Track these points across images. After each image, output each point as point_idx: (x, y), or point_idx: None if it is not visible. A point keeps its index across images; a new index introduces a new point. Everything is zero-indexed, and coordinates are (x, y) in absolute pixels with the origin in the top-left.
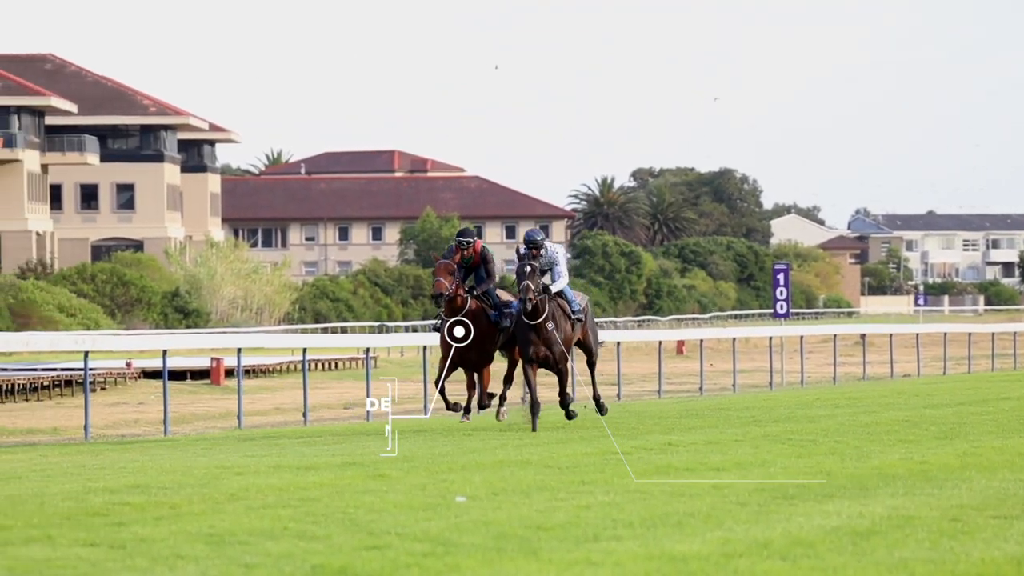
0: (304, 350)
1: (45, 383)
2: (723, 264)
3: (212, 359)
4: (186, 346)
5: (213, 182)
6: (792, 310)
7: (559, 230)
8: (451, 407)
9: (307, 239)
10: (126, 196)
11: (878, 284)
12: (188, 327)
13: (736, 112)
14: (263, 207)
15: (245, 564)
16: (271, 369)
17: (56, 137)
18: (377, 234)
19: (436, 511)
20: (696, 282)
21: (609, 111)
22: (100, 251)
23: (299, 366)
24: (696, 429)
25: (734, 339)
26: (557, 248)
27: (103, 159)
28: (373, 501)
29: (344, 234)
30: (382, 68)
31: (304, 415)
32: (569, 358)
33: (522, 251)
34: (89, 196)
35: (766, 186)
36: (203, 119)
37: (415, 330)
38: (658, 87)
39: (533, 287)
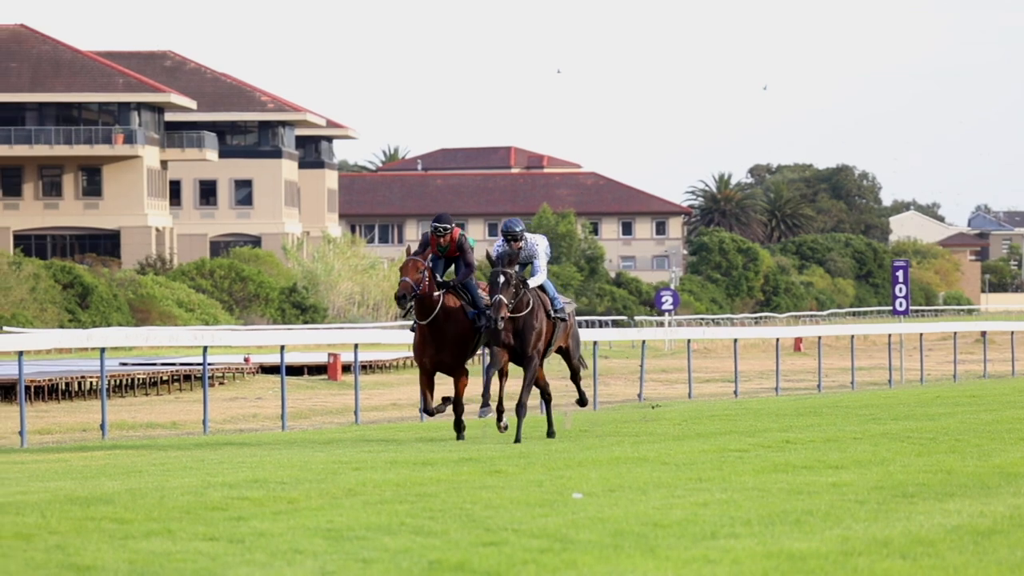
0: None
1: (164, 378)
2: (841, 261)
3: (329, 355)
4: (303, 341)
5: (330, 178)
6: (911, 307)
7: (675, 226)
8: (435, 411)
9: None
10: (244, 192)
11: (999, 281)
12: (305, 323)
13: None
14: (380, 203)
15: (363, 559)
16: (387, 365)
17: (175, 133)
18: (493, 230)
19: (553, 507)
20: (814, 279)
21: (727, 108)
22: (218, 247)
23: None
24: (814, 427)
25: (852, 336)
26: (538, 240)
27: (222, 155)
28: (490, 497)
29: (462, 229)
30: (499, 65)
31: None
32: (540, 354)
33: (498, 245)
34: (208, 192)
35: (885, 183)
36: (321, 115)
37: None
38: (776, 84)
39: (506, 302)
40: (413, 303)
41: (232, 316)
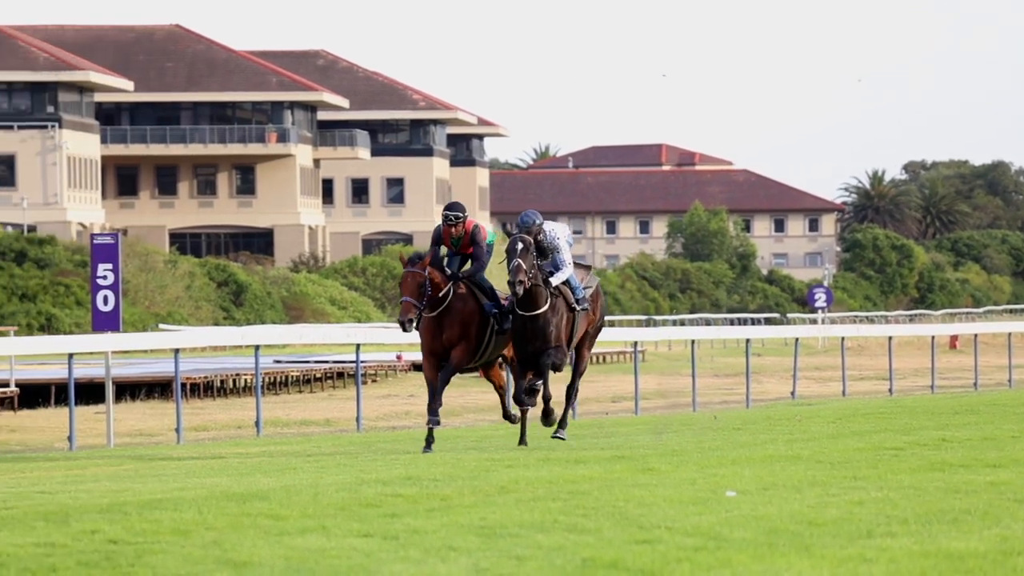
0: None
1: (318, 375)
2: (997, 258)
3: None
4: None
5: (481, 176)
6: None
7: (828, 223)
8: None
9: (574, 233)
10: (396, 190)
11: None
12: None
13: (1013, 104)
14: (530, 201)
15: (516, 556)
16: None
17: (328, 132)
18: (644, 228)
19: (706, 505)
20: (969, 276)
21: (880, 104)
22: (371, 244)
23: None
24: (971, 425)
25: (1009, 334)
26: (558, 230)
27: (374, 153)
28: (643, 495)
29: (611, 228)
30: (649, 62)
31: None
32: (567, 356)
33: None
34: (360, 190)
35: None
36: (472, 113)
37: (683, 323)
38: (927, 80)
39: (526, 267)
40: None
41: (384, 313)
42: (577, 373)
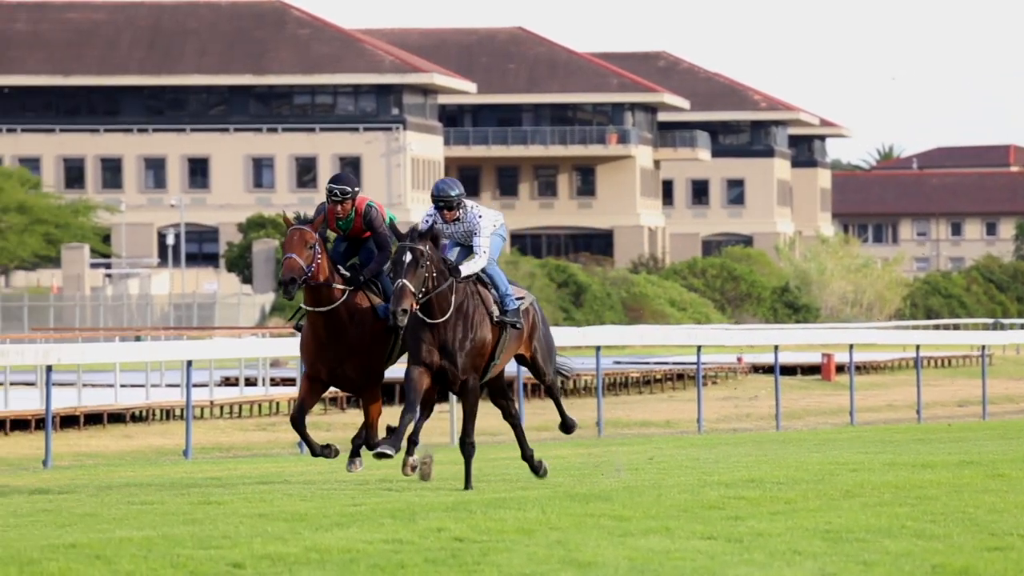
0: (917, 347)
1: (658, 376)
2: None
3: (823, 355)
4: (796, 341)
5: (823, 177)
6: None
7: None
8: (319, 451)
9: (918, 235)
10: (736, 191)
11: None
12: (797, 322)
13: None
14: (873, 202)
15: (863, 562)
16: (882, 365)
17: (668, 133)
18: (991, 230)
19: None
20: None
21: None
22: (710, 246)
23: (911, 363)
24: None
25: None
26: (485, 213)
27: (714, 155)
28: (993, 501)
29: (956, 230)
30: (996, 62)
31: (918, 412)
32: (478, 375)
33: (428, 215)
34: (700, 191)
35: None
36: (813, 114)
37: None
38: None
39: (412, 290)
40: (297, 289)
41: (724, 315)
42: (555, 399)
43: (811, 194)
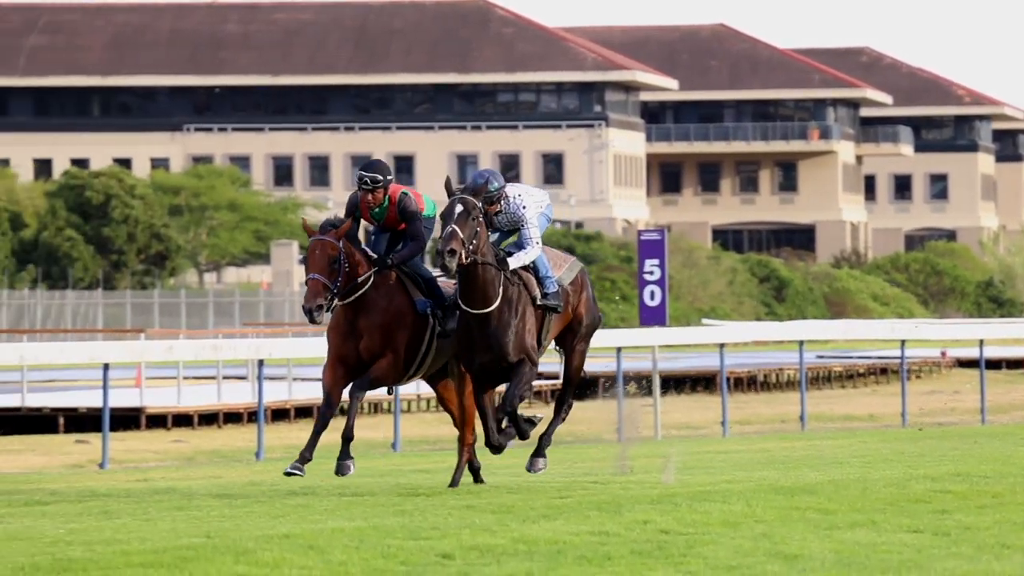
0: None
1: (860, 371)
2: None
3: None
4: (1001, 336)
5: None
6: None
7: None
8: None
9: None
10: (939, 186)
11: None
12: (1002, 316)
13: None
14: None
15: None
16: None
17: (870, 128)
18: None
19: None
20: None
21: None
22: (913, 241)
23: None
24: None
25: None
26: (528, 197)
27: (916, 149)
28: None
29: None
30: None
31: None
32: (534, 360)
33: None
34: (902, 186)
35: None
36: (1018, 108)
37: None
38: None
39: (463, 236)
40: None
41: (927, 310)
42: (569, 380)
43: (1015, 188)
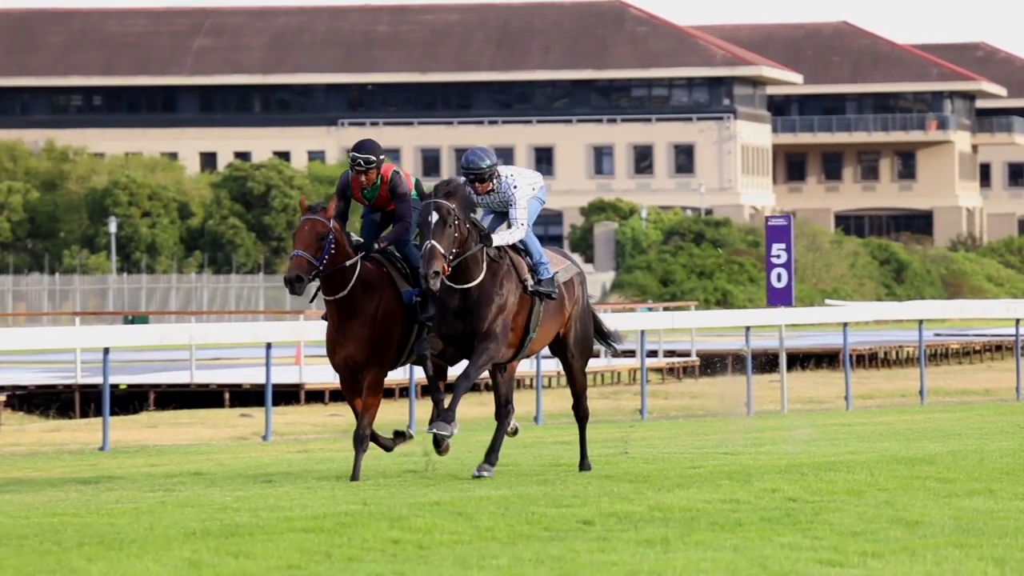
0: None
1: (976, 348)
2: None
3: None
4: None
5: None
6: None
7: None
8: (391, 446)
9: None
10: None
11: None
12: None
13: None
14: None
15: None
16: None
17: (985, 119)
18: None
19: None
20: None
21: None
22: None
23: None
24: None
25: None
26: (520, 178)
27: None
28: None
29: None
30: None
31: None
32: (501, 334)
33: (457, 183)
34: (1016, 174)
35: None
36: None
37: None
38: None
39: (443, 251)
40: (320, 284)
41: None
42: (577, 395)
43: None
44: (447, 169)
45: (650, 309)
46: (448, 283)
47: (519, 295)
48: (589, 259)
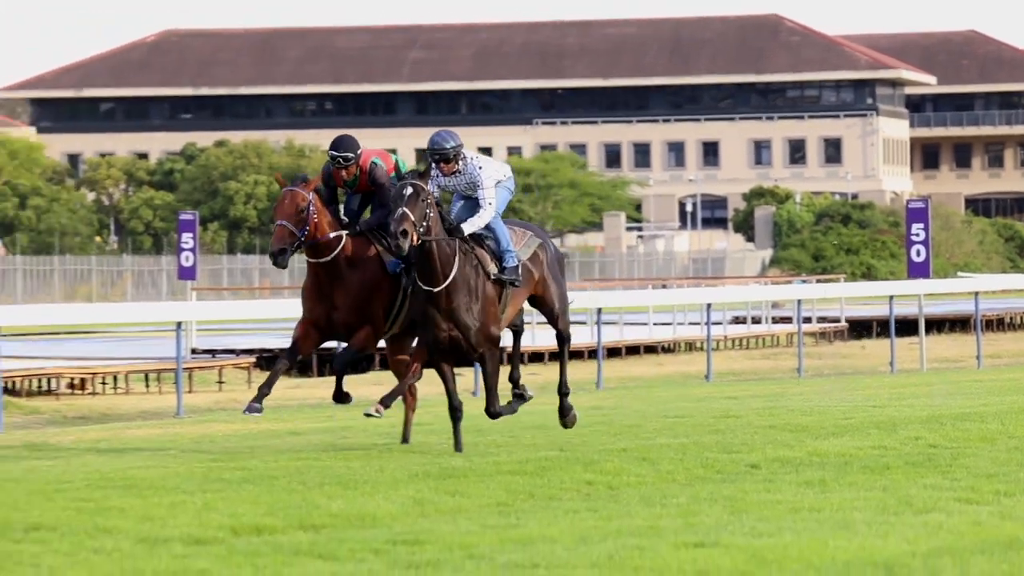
0: None
1: None
2: None
3: None
4: None
5: None
6: None
7: None
8: (339, 397)
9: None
10: None
11: None
12: None
13: None
14: None
15: None
16: None
17: None
18: None
19: None
20: None
21: None
22: None
23: None
24: None
25: None
26: (486, 164)
27: None
28: None
29: None
30: None
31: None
32: (499, 334)
33: (433, 175)
34: None
35: None
36: None
37: None
38: None
39: (414, 218)
40: (286, 260)
41: None
42: (562, 339)
43: None
44: (627, 162)
45: (804, 281)
46: (422, 284)
47: (490, 286)
48: (750, 238)
